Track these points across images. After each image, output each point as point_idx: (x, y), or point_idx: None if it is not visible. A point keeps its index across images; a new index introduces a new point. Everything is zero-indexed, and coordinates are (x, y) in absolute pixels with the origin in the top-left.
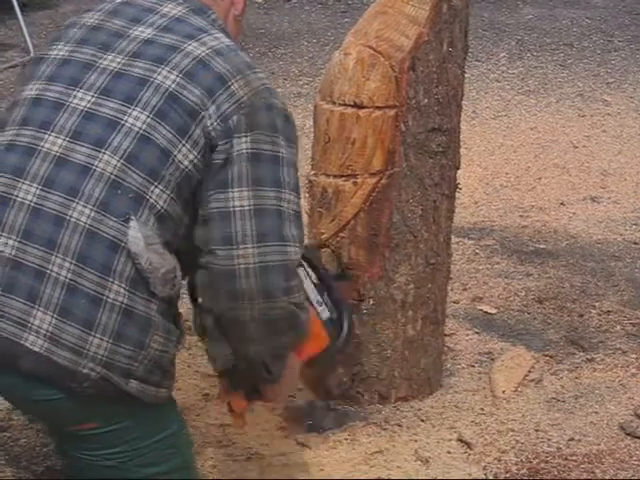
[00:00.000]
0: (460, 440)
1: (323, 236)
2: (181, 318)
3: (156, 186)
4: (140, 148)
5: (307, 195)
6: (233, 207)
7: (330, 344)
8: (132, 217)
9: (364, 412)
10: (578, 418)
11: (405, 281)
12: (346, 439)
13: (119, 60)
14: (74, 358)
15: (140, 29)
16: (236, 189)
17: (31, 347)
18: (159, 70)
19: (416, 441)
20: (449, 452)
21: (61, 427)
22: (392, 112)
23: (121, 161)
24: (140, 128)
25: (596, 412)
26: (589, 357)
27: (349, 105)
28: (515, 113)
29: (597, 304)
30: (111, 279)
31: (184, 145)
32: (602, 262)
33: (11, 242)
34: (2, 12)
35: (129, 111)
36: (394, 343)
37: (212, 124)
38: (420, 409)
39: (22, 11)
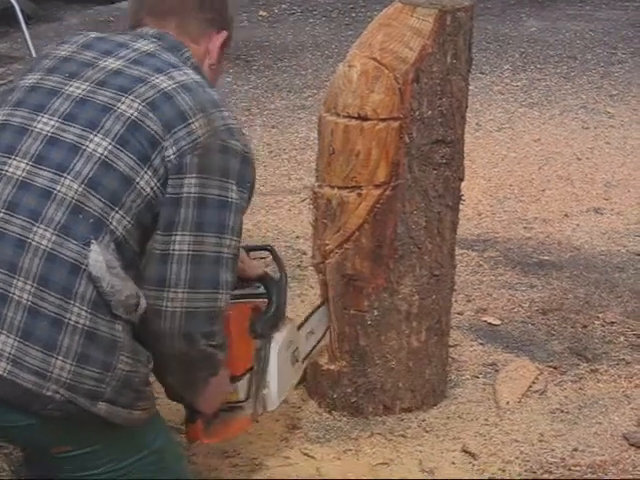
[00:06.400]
0: (464, 451)
1: (327, 247)
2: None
3: (117, 212)
4: (101, 174)
5: (311, 206)
6: (172, 250)
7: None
8: (93, 241)
9: (368, 423)
10: (582, 429)
11: (409, 292)
12: (350, 450)
13: (84, 87)
14: (38, 381)
15: (110, 60)
16: (179, 232)
17: None
18: (123, 99)
19: (420, 452)
20: (453, 463)
21: (39, 451)
22: (396, 124)
23: (82, 186)
24: (102, 154)
25: (600, 423)
26: (593, 368)
27: (353, 117)
28: (519, 125)
29: (601, 315)
30: (72, 302)
31: (146, 172)
32: (606, 273)
33: None
34: (7, 25)
35: (91, 137)
36: (398, 354)
37: (169, 156)
38: (424, 420)
39: (27, 24)
